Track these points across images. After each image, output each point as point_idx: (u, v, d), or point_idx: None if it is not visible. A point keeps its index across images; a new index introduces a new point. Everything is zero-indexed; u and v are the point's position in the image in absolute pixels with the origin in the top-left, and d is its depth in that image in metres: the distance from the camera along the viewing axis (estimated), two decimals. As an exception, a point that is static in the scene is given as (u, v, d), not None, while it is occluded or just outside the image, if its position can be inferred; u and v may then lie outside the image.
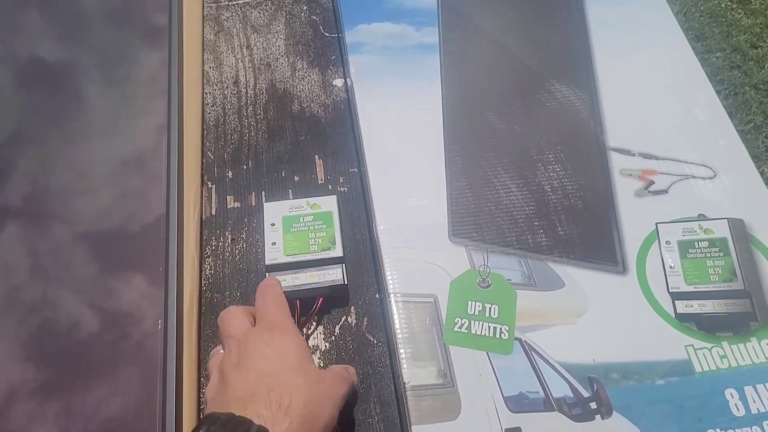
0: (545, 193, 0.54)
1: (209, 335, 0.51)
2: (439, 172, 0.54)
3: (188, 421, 0.45)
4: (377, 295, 0.52)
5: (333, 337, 0.51)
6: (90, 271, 0.50)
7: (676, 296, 0.49)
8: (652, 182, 0.54)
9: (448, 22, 0.63)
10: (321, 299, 0.51)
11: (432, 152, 0.55)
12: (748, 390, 0.45)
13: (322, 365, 0.50)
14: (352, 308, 0.52)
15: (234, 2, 0.71)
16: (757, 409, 0.44)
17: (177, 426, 0.44)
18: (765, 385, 0.45)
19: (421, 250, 0.51)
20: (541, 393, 0.45)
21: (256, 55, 0.67)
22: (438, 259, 0.50)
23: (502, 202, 0.53)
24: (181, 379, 0.46)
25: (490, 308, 0.48)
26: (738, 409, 0.44)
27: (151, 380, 0.46)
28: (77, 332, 0.48)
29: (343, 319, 0.51)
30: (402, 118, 0.57)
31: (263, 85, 0.65)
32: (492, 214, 0.52)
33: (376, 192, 0.53)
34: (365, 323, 0.51)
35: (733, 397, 0.45)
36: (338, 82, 0.65)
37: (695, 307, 0.49)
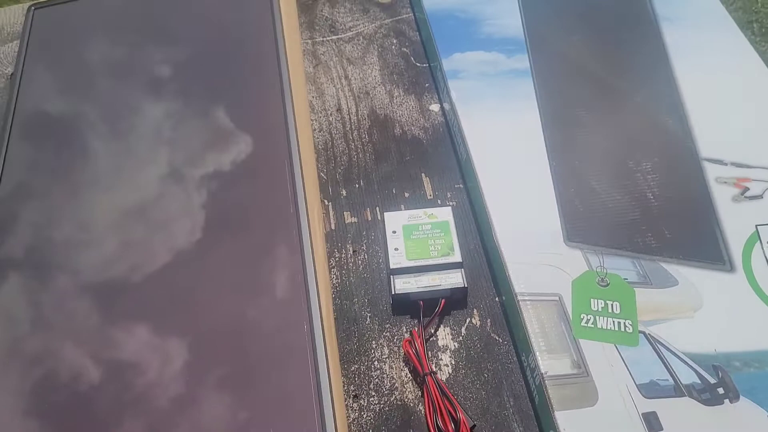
0: (647, 200, 0.58)
1: (342, 338, 0.55)
2: (546, 183, 0.58)
3: (339, 414, 0.49)
4: (497, 299, 0.56)
5: (460, 337, 0.54)
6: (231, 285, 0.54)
7: (783, 291, 0.52)
8: (747, 188, 0.58)
9: (535, 48, 0.68)
10: (443, 300, 0.54)
11: (537, 165, 0.60)
12: None
13: (453, 362, 0.53)
14: (475, 311, 0.56)
15: (328, 38, 0.77)
16: None
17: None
18: None
19: (539, 254, 0.54)
20: (671, 380, 0.48)
21: (354, 85, 0.72)
22: (557, 262, 0.54)
23: (609, 208, 0.57)
24: (329, 379, 0.50)
25: (612, 305, 0.52)
26: None
27: (304, 379, 0.49)
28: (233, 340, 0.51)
29: (467, 321, 0.55)
30: (505, 135, 0.62)
31: (364, 111, 0.70)
32: (601, 219, 0.56)
33: (491, 202, 0.57)
34: (489, 324, 0.55)
35: None
36: (434, 107, 0.70)
37: (803, 300, 0.52)
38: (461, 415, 0.48)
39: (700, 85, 0.65)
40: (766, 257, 0.54)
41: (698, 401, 0.47)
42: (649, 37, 0.69)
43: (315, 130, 0.68)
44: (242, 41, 0.71)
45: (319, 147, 0.67)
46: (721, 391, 0.48)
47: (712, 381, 0.48)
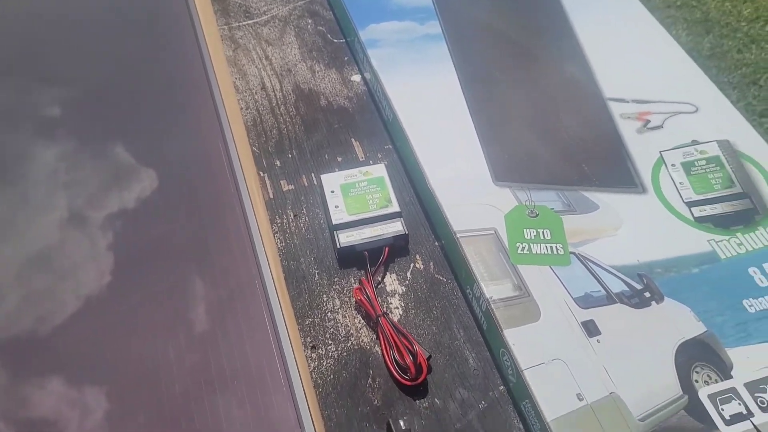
0: (563, 139, 0.62)
1: (294, 296, 0.56)
2: (470, 133, 0.62)
3: (301, 364, 0.50)
4: (436, 243, 0.59)
5: (407, 281, 0.57)
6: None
7: (690, 204, 0.58)
8: (648, 121, 0.64)
9: (445, 14, 0.73)
10: (386, 249, 0.57)
11: (459, 119, 0.63)
12: (766, 266, 0.54)
13: (402, 305, 0.55)
14: (417, 256, 0.58)
15: (244, 23, 0.78)
16: (777, 279, 0.53)
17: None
18: (778, 261, 0.54)
19: (472, 196, 0.58)
20: (603, 291, 0.53)
21: (275, 64, 0.74)
22: (489, 201, 0.58)
23: (529, 149, 0.61)
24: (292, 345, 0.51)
25: (543, 232, 0.56)
26: (762, 281, 0.53)
27: (264, 336, 0.50)
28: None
29: (411, 266, 0.58)
30: (426, 95, 0.65)
31: (289, 87, 0.72)
32: (523, 159, 0.61)
33: (421, 155, 0.61)
34: (432, 266, 0.58)
35: (755, 273, 0.54)
36: (356, 78, 0.72)
37: (708, 210, 0.58)
38: (417, 348, 0.51)
39: (597, 35, 0.71)
40: (671, 177, 0.60)
41: (629, 306, 0.52)
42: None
43: (242, 108, 0.69)
44: (162, 34, 0.71)
45: (248, 124, 0.68)
46: (647, 295, 0.52)
47: (639, 287, 0.53)
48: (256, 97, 0.71)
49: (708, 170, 0.60)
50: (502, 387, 0.51)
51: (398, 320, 0.54)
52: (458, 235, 0.55)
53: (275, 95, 0.71)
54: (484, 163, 0.60)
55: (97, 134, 0.63)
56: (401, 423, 0.48)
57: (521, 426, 0.49)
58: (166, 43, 0.70)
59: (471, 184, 0.59)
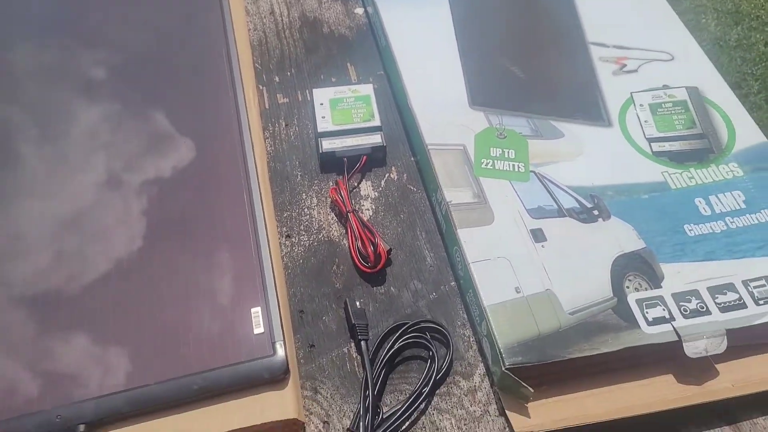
0: (542, 74, 0.67)
1: (276, 191, 0.62)
2: (454, 60, 0.67)
3: (273, 246, 0.56)
4: (412, 159, 0.64)
5: (380, 188, 0.62)
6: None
7: (651, 140, 0.62)
8: (625, 65, 0.68)
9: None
10: (365, 157, 0.62)
11: (446, 48, 0.68)
12: (712, 198, 0.58)
13: (373, 207, 0.61)
14: (393, 168, 0.64)
15: (262, -46, 0.83)
16: (720, 210, 0.57)
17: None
18: (723, 194, 0.58)
19: (448, 116, 0.63)
20: (555, 205, 0.57)
21: (286, -7, 0.79)
22: (463, 121, 0.63)
23: (508, 79, 0.66)
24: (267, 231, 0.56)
25: (507, 152, 0.60)
26: (705, 210, 0.57)
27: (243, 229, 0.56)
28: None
29: (386, 176, 0.63)
30: (420, 25, 0.70)
31: (295, 14, 0.77)
32: (500, 87, 0.65)
33: (406, 76, 0.66)
34: (405, 178, 0.63)
35: (701, 203, 0.58)
36: (359, 11, 0.77)
37: (667, 146, 0.62)
38: (379, 240, 0.56)
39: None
40: (637, 115, 0.64)
41: (576, 220, 0.56)
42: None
43: (250, 29, 0.75)
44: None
45: (254, 43, 0.74)
46: (596, 212, 0.57)
47: (589, 205, 0.57)
48: (265, 20, 0.76)
49: (674, 112, 0.64)
50: (453, 282, 0.56)
51: (367, 219, 0.60)
52: (429, 147, 0.60)
53: (282, 20, 0.76)
54: (463, 88, 0.65)
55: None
56: (357, 303, 0.54)
57: (465, 315, 0.54)
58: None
59: (449, 106, 0.64)
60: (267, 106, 0.68)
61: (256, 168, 0.60)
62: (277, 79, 0.70)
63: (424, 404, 0.50)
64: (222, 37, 0.69)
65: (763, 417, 0.50)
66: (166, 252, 0.54)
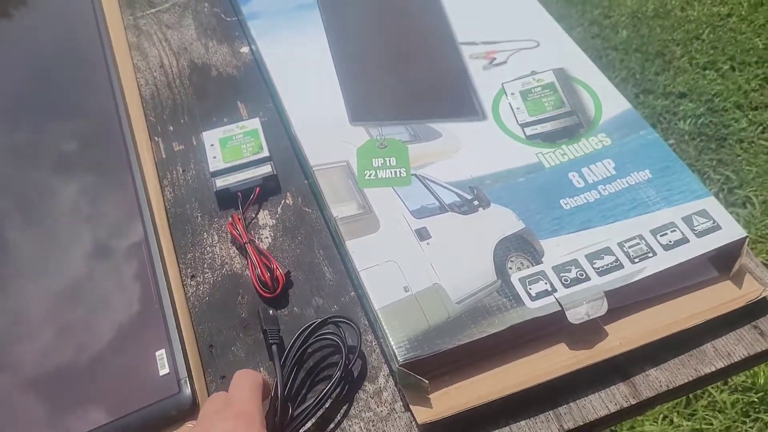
0: (416, 81, 0.70)
1: (178, 235, 0.64)
2: (333, 83, 0.70)
3: (177, 289, 0.58)
4: (306, 181, 0.67)
5: (277, 215, 0.65)
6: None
7: (524, 125, 0.65)
8: (494, 58, 0.71)
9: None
10: (258, 188, 0.65)
11: (325, 72, 0.71)
12: (584, 170, 0.61)
13: (272, 234, 0.63)
14: (288, 193, 0.66)
15: (147, 12, 0.87)
16: (592, 180, 0.60)
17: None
18: (595, 165, 0.61)
19: (330, 135, 0.66)
20: (437, 203, 0.60)
21: (173, 44, 0.82)
22: (345, 138, 0.65)
23: (383, 91, 0.69)
24: (168, 275, 0.59)
25: (389, 160, 0.63)
26: (579, 182, 0.60)
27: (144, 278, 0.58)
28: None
29: (282, 202, 0.66)
30: (298, 54, 0.73)
31: (184, 63, 0.80)
32: (377, 100, 0.68)
33: (288, 104, 0.69)
34: (300, 201, 0.66)
35: (574, 176, 0.61)
36: (244, 50, 0.81)
37: (539, 129, 0.65)
38: (275, 265, 0.59)
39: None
40: (509, 104, 0.67)
41: (458, 213, 0.59)
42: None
43: (141, 84, 0.78)
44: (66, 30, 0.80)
45: (147, 97, 0.76)
46: (476, 203, 0.60)
47: (469, 197, 0.60)
48: (155, 74, 0.79)
49: (543, 95, 0.67)
50: (352, 293, 0.59)
51: (267, 247, 0.62)
52: (314, 169, 0.63)
53: (171, 71, 0.79)
54: (343, 107, 0.68)
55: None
56: (269, 311, 0.56)
57: (365, 321, 0.57)
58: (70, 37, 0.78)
59: (330, 126, 0.67)
60: (164, 156, 0.71)
61: (153, 219, 0.62)
62: (171, 128, 0.73)
63: (336, 394, 0.51)
64: (111, 100, 0.72)
65: (654, 368, 0.53)
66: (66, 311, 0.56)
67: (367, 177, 0.62)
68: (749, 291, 0.55)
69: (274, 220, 0.64)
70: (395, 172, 0.62)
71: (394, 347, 0.51)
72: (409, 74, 0.71)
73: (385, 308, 0.53)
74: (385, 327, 0.52)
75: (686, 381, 0.52)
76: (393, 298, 0.54)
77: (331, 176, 0.62)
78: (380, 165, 0.63)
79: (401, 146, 0.64)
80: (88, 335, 0.55)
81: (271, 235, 0.63)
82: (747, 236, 0.55)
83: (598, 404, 0.51)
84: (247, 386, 0.46)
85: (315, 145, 0.65)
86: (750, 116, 1.76)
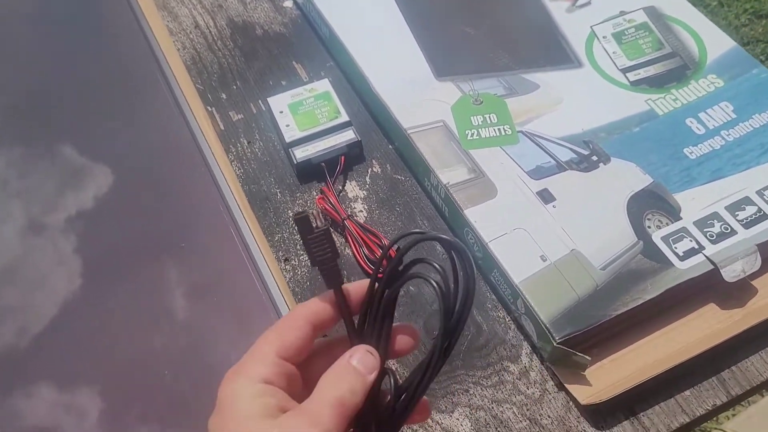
0: (498, 29, 0.64)
1: (260, 216, 0.57)
2: (407, 36, 0.63)
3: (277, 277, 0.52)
4: (390, 147, 0.61)
5: (367, 186, 0.59)
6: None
7: (625, 70, 0.60)
8: (576, 0, 0.66)
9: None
10: (342, 157, 0.58)
11: (394, 23, 0.64)
12: (702, 115, 0.57)
13: (366, 207, 0.57)
14: (373, 161, 0.60)
15: (167, -34, 0.77)
16: (713, 125, 0.56)
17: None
18: (711, 109, 0.57)
19: (417, 95, 0.59)
20: (552, 161, 0.55)
21: (206, 1, 0.73)
22: (434, 96, 0.59)
23: (467, 43, 0.63)
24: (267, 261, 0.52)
25: (489, 117, 0.58)
26: (699, 129, 0.56)
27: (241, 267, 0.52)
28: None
29: (369, 171, 0.59)
30: (359, 5, 0.66)
31: (222, 22, 0.71)
32: (462, 53, 0.62)
33: (363, 63, 0.62)
34: (389, 168, 0.59)
35: (692, 123, 0.57)
36: (288, 4, 0.73)
37: (642, 73, 0.60)
38: (385, 241, 0.53)
39: None
40: (604, 49, 0.62)
41: (578, 170, 0.54)
42: None
43: (179, 49, 0.69)
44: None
45: (188, 63, 0.68)
46: (594, 158, 0.55)
47: (585, 152, 0.55)
48: (191, 36, 0.70)
49: (638, 36, 0.62)
50: (471, 265, 0.53)
51: (364, 221, 0.56)
52: (409, 132, 0.57)
53: (210, 32, 0.70)
54: (424, 62, 0.61)
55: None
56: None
57: (493, 296, 0.52)
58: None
59: (414, 83, 0.60)
60: (222, 127, 0.63)
61: (233, 196, 0.55)
62: (224, 96, 0.65)
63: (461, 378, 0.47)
64: (153, 65, 0.63)
65: (810, 321, 0.49)
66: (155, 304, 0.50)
67: (469, 137, 0.56)
68: None
69: (365, 192, 0.58)
70: (499, 129, 0.57)
71: (547, 324, 0.46)
72: (489, 22, 0.65)
73: (526, 281, 0.48)
74: (531, 302, 0.47)
75: None
76: (532, 270, 0.49)
77: (429, 139, 0.56)
78: (480, 123, 0.57)
79: (499, 101, 0.58)
80: (202, 343, 0.48)
81: (365, 208, 0.57)
82: None
83: (761, 366, 0.48)
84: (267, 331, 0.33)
85: (403, 106, 0.59)
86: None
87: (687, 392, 0.47)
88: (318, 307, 0.34)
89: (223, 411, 0.31)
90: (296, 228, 0.35)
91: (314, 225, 0.34)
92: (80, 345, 0.49)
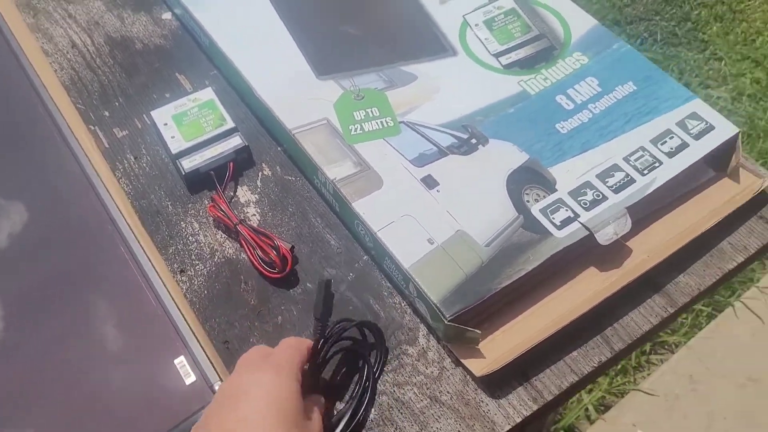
0: (374, 25, 0.65)
1: (152, 230, 0.57)
2: (286, 39, 0.64)
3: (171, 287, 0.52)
4: (279, 149, 0.61)
5: (258, 190, 0.59)
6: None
7: (497, 55, 0.63)
8: (447, -9, 0.68)
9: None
10: (231, 163, 0.59)
11: (272, 26, 0.65)
12: (570, 91, 0.60)
13: (259, 211, 0.58)
14: (263, 164, 0.61)
15: (38, -13, 0.75)
16: (580, 100, 0.59)
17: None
18: (578, 85, 0.60)
19: (299, 93, 0.60)
20: (434, 148, 0.57)
21: (81, 20, 0.72)
22: (316, 94, 0.60)
23: (344, 40, 0.64)
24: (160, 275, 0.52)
25: (371, 110, 0.59)
26: (568, 104, 0.59)
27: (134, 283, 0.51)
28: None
29: (260, 174, 0.60)
30: (237, 12, 0.66)
31: (100, 39, 0.70)
32: (340, 51, 0.63)
33: (245, 69, 0.62)
34: (279, 170, 0.60)
35: (562, 99, 0.60)
36: (167, 16, 0.72)
37: (513, 57, 0.63)
38: (278, 242, 0.53)
39: None
40: (477, 36, 0.64)
41: (459, 154, 0.56)
42: None
43: (56, 70, 0.68)
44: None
45: (67, 83, 0.67)
46: (473, 141, 0.57)
47: (465, 136, 0.57)
48: (69, 56, 0.69)
49: (507, 22, 0.65)
50: (365, 257, 0.55)
51: (258, 225, 0.57)
52: (294, 132, 0.58)
53: (88, 50, 0.69)
54: (304, 63, 0.62)
55: None
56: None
57: (388, 284, 0.53)
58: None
59: (296, 84, 0.61)
60: (107, 145, 0.62)
61: (121, 213, 0.55)
62: (106, 113, 0.65)
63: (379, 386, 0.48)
64: (29, 90, 0.62)
65: (681, 274, 0.53)
66: (54, 327, 0.49)
67: (353, 132, 0.58)
68: (749, 184, 0.56)
69: (256, 195, 0.58)
70: (381, 122, 0.58)
71: (437, 303, 0.48)
72: (364, 18, 0.66)
73: (415, 265, 0.50)
74: (421, 285, 0.49)
75: (714, 280, 0.53)
76: (420, 254, 0.51)
77: (314, 137, 0.57)
78: (363, 117, 0.59)
79: (379, 95, 0.60)
80: (96, 363, 0.47)
81: (258, 212, 0.58)
82: (739, 131, 0.56)
83: (640, 320, 0.51)
84: (289, 344, 0.45)
85: (286, 107, 0.59)
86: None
87: (575, 353, 0.50)
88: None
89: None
90: (320, 286, 0.50)
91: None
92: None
